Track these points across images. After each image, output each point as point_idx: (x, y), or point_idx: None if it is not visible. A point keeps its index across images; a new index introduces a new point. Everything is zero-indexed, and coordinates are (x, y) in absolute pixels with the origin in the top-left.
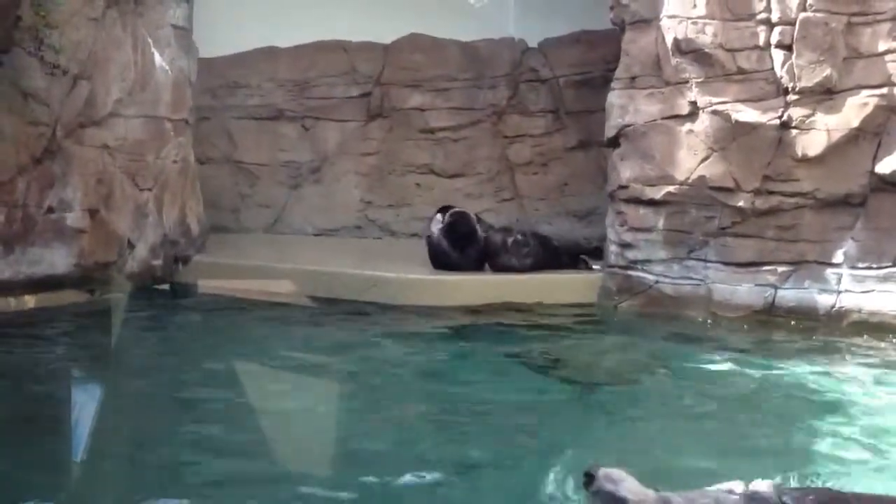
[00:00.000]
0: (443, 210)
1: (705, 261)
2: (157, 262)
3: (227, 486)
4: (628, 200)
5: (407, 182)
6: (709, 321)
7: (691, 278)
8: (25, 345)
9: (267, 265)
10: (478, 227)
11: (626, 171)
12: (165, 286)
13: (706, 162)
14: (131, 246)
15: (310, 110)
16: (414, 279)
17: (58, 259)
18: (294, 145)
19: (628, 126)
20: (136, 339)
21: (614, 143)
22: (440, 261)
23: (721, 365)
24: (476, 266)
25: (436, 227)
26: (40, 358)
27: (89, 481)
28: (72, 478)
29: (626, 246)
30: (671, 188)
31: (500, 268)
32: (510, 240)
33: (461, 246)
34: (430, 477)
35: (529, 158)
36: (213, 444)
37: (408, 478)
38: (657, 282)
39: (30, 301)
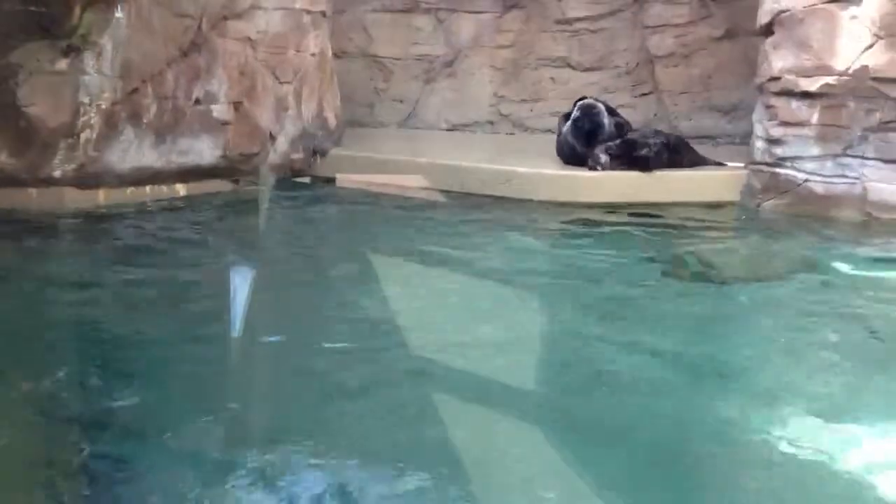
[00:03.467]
0: (578, 101)
1: (862, 158)
2: (297, 155)
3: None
4: (779, 93)
5: (541, 76)
6: (863, 222)
7: (845, 176)
8: (179, 229)
9: (402, 159)
10: (606, 120)
11: (778, 61)
12: (304, 178)
13: (870, 50)
14: (272, 138)
15: (444, 1)
16: (548, 174)
17: (205, 149)
18: (428, 38)
19: (784, 12)
20: (278, 229)
21: (767, 30)
22: (567, 155)
23: (879, 271)
24: None
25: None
26: (192, 242)
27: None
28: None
29: (774, 142)
30: (829, 79)
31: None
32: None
33: (587, 141)
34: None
35: (671, 49)
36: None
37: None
38: (807, 180)
39: (180, 189)
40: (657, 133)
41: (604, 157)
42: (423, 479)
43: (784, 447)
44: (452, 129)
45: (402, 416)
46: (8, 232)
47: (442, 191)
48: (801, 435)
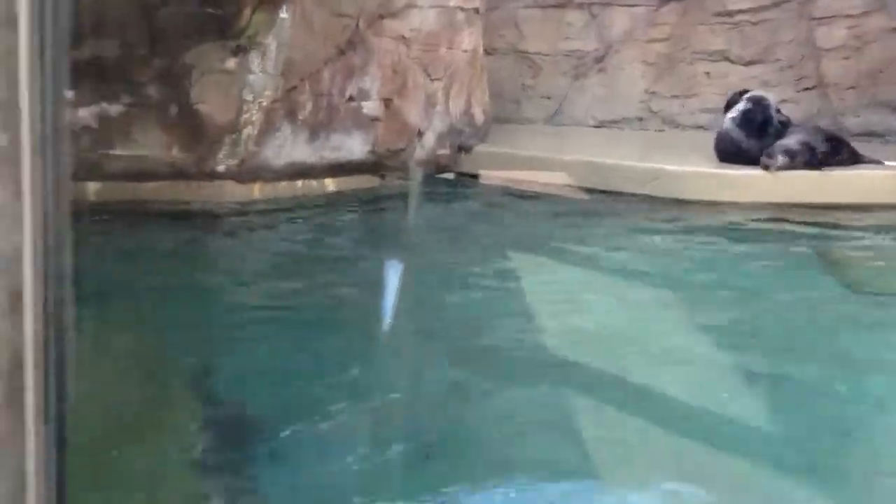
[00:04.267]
0: (739, 95)
1: None
2: (443, 151)
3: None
4: None
5: (696, 70)
6: None
7: None
8: (329, 222)
9: (546, 156)
10: (775, 115)
11: None
12: (448, 175)
13: None
14: (420, 134)
15: None
16: (699, 172)
17: (355, 145)
18: (579, 33)
19: None
20: (425, 225)
21: None
22: (728, 151)
23: None
24: None
25: (729, 115)
26: (343, 234)
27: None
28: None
29: None
30: None
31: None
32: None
33: (756, 135)
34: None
35: (841, 42)
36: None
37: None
38: None
39: (330, 184)
40: (818, 130)
41: (782, 159)
42: None
43: None
44: (600, 125)
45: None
46: (183, 223)
47: (587, 189)
48: None
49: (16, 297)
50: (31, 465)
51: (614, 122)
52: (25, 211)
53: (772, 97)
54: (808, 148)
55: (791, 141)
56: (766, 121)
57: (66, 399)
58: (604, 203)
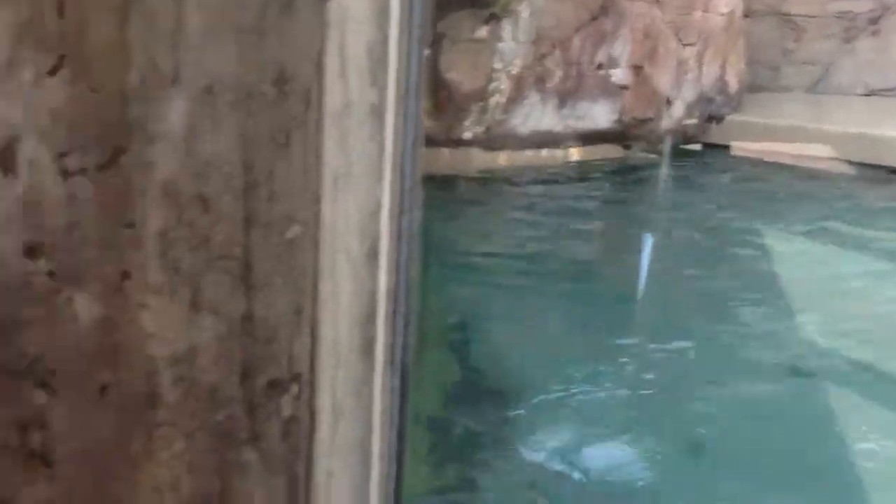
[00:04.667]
0: None
1: None
2: (691, 121)
3: None
4: None
5: None
6: None
7: None
8: (578, 191)
9: (806, 126)
10: None
11: None
12: (695, 145)
13: None
14: (669, 103)
15: None
16: None
17: (601, 114)
18: None
19: None
20: (672, 198)
21: None
22: None
23: None
24: None
25: None
26: (592, 204)
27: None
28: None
29: None
30: None
31: None
32: None
33: None
34: None
35: None
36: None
37: None
38: None
39: (574, 154)
40: None
41: None
42: None
43: None
44: (870, 94)
45: None
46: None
47: (852, 163)
48: None
49: (373, 250)
50: (376, 411)
51: (888, 90)
52: (386, 167)
53: None
54: None
55: None
56: None
57: (410, 350)
58: (877, 180)
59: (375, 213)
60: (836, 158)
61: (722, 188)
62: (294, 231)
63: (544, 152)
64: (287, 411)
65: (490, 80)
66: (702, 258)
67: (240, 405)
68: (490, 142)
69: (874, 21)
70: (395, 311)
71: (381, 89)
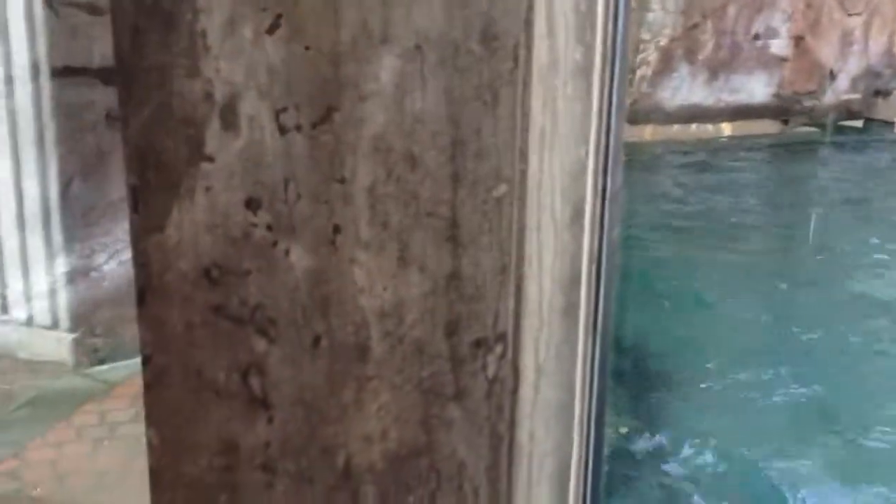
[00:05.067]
0: None
1: None
2: (855, 95)
3: None
4: None
5: None
6: None
7: None
8: (733, 168)
9: None
10: None
11: None
12: (857, 122)
13: None
14: (832, 76)
15: None
16: None
17: (757, 87)
18: None
19: None
20: (828, 176)
21: None
22: None
23: None
24: None
25: None
26: (749, 183)
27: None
28: None
29: None
30: None
31: None
32: None
33: None
34: None
35: None
36: None
37: None
38: None
39: (726, 129)
40: None
41: None
42: None
43: None
44: None
45: None
46: None
47: None
48: None
49: (577, 212)
50: (578, 375)
51: None
52: (591, 128)
53: None
54: None
55: None
56: None
57: (611, 314)
58: None
59: (580, 174)
60: None
61: (886, 170)
62: (501, 189)
63: (693, 127)
64: (492, 370)
65: (637, 51)
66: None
67: (446, 362)
68: (636, 115)
69: None
70: (598, 275)
71: (588, 48)
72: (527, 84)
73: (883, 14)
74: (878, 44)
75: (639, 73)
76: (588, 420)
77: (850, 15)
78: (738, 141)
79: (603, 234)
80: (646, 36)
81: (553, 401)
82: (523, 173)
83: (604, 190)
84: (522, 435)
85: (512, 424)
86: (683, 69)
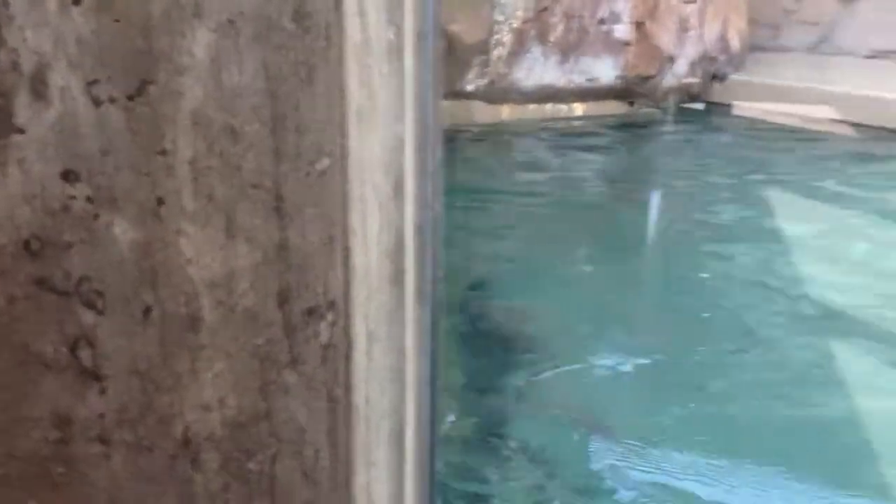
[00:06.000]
0: None
1: None
2: (694, 79)
3: None
4: None
5: None
6: None
7: None
8: (580, 145)
9: (811, 87)
10: None
11: None
12: (697, 105)
13: None
14: (671, 61)
15: None
16: None
17: (604, 70)
18: None
19: None
20: (671, 156)
21: None
22: None
23: None
24: None
25: None
26: (593, 159)
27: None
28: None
29: None
30: None
31: None
32: None
33: None
34: None
35: None
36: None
37: None
38: None
39: (577, 109)
40: None
41: None
42: None
43: None
44: (874, 56)
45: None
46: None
47: (854, 124)
48: None
49: (398, 185)
50: (409, 340)
51: (891, 51)
52: (407, 104)
53: None
54: None
55: None
56: None
57: (438, 283)
58: (877, 141)
59: (398, 149)
60: (839, 120)
61: (723, 148)
62: (323, 163)
63: (548, 107)
64: (325, 337)
65: (492, 32)
66: (696, 219)
67: (279, 330)
68: (493, 95)
69: None
70: (422, 244)
71: (399, 28)
72: (341, 62)
73: (715, 3)
74: (712, 30)
75: (494, 53)
76: (421, 382)
77: (685, 2)
78: (589, 120)
79: (426, 206)
80: (500, 17)
81: (386, 365)
82: (344, 148)
83: (424, 164)
84: (359, 398)
85: (348, 389)
86: (536, 50)
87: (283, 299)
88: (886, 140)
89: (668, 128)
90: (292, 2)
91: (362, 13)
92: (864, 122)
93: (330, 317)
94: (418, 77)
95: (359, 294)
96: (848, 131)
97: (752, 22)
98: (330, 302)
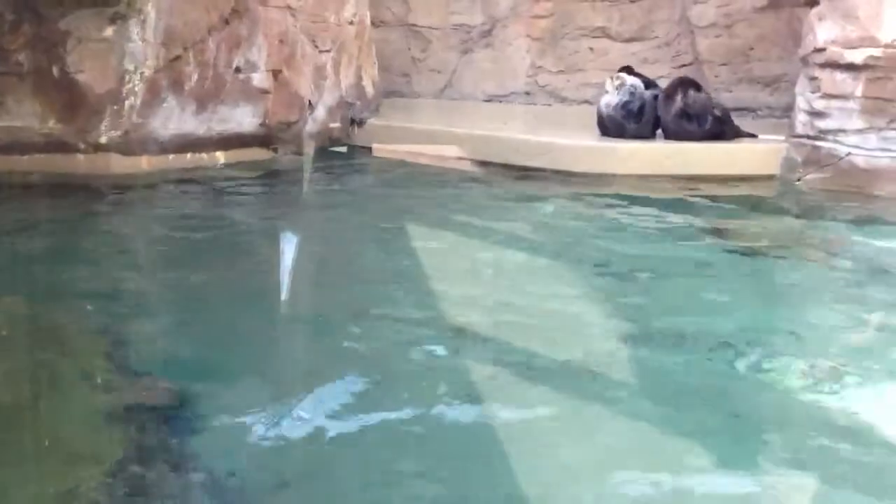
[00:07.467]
0: (623, 70)
1: None
2: (335, 124)
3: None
4: (824, 65)
5: (580, 46)
6: None
7: (889, 150)
8: (217, 196)
9: (439, 129)
10: (647, 92)
11: (823, 32)
12: (341, 148)
13: None
14: (311, 107)
15: None
16: (586, 146)
17: (244, 118)
18: (466, 8)
19: None
20: (315, 198)
21: (812, 1)
22: (612, 131)
23: None
24: (651, 134)
25: (609, 93)
26: (234, 208)
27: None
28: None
29: (816, 115)
30: (875, 51)
31: (673, 135)
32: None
33: (636, 116)
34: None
35: (713, 20)
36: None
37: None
38: (849, 154)
39: (220, 157)
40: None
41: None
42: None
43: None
44: (489, 99)
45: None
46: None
47: (479, 162)
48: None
49: None
50: None
51: (503, 96)
52: None
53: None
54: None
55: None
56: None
57: None
58: (496, 175)
59: None
60: (466, 158)
61: (362, 187)
62: None
63: (189, 156)
64: None
65: (123, 81)
66: (337, 251)
67: None
68: (129, 146)
69: (486, 34)
70: None
71: None
72: None
73: (349, 52)
74: (347, 77)
75: (127, 103)
76: None
77: (321, 52)
78: (231, 168)
79: None
80: (130, 66)
81: None
82: None
83: None
84: None
85: None
86: (172, 100)
87: None
88: (501, 174)
89: (310, 172)
90: None
91: None
92: (486, 158)
93: None
94: None
95: None
96: (474, 168)
97: (387, 69)
98: None
